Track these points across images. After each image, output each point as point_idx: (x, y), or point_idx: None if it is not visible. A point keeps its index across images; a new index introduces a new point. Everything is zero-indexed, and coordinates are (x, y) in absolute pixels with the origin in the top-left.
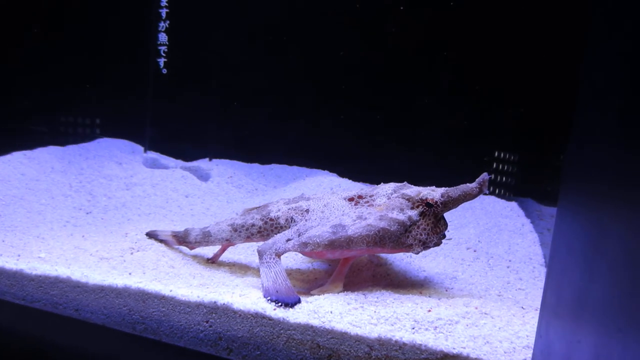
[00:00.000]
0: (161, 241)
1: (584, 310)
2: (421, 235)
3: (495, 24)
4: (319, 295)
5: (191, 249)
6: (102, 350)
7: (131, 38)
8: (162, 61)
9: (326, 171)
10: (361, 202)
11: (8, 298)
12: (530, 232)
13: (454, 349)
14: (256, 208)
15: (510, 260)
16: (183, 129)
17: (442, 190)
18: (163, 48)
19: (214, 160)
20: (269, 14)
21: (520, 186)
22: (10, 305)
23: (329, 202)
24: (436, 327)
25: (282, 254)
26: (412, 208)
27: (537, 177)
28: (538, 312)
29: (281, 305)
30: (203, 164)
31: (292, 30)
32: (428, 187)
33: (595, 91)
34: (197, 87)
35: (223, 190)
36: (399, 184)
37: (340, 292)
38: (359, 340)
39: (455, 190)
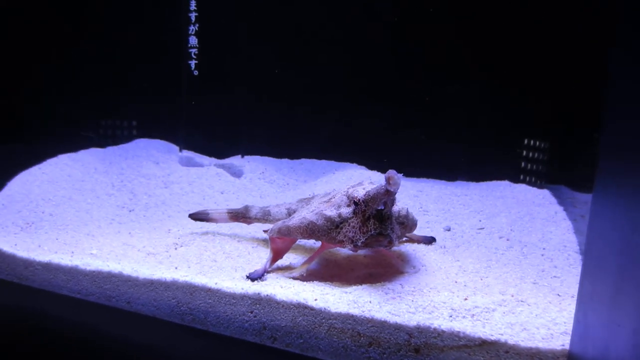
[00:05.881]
0: (209, 220)
1: (623, 294)
2: (349, 232)
3: (525, 9)
4: (297, 275)
5: (248, 223)
6: (153, 340)
7: (163, 42)
8: (193, 63)
9: (355, 164)
10: (330, 198)
11: (65, 292)
12: (564, 220)
13: (492, 335)
14: (307, 198)
15: (544, 249)
16: (216, 127)
17: (368, 188)
18: (194, 50)
19: (246, 157)
20: (299, 12)
21: (552, 173)
22: (67, 299)
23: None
24: (473, 314)
25: (272, 236)
26: (348, 205)
27: (569, 164)
28: (574, 299)
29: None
30: (236, 161)
31: (322, 27)
32: (371, 185)
33: (631, 73)
34: (227, 86)
35: (256, 185)
36: (362, 181)
37: (303, 274)
38: (398, 328)
39: (373, 189)
